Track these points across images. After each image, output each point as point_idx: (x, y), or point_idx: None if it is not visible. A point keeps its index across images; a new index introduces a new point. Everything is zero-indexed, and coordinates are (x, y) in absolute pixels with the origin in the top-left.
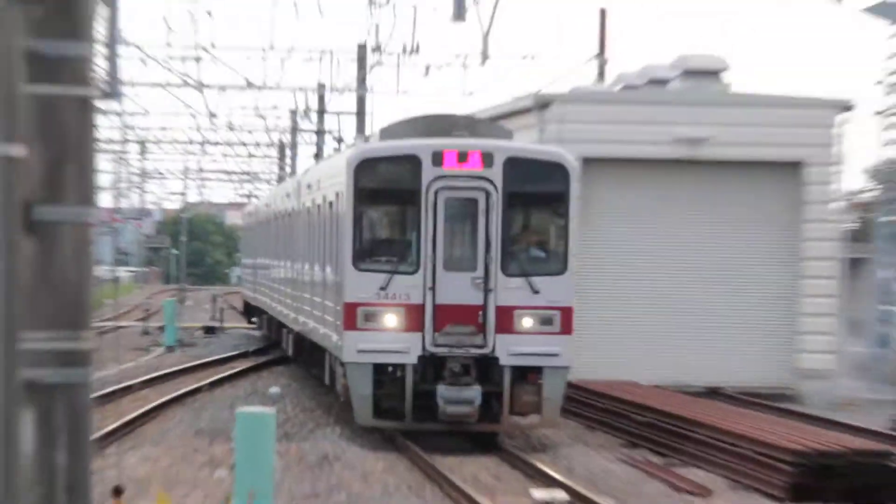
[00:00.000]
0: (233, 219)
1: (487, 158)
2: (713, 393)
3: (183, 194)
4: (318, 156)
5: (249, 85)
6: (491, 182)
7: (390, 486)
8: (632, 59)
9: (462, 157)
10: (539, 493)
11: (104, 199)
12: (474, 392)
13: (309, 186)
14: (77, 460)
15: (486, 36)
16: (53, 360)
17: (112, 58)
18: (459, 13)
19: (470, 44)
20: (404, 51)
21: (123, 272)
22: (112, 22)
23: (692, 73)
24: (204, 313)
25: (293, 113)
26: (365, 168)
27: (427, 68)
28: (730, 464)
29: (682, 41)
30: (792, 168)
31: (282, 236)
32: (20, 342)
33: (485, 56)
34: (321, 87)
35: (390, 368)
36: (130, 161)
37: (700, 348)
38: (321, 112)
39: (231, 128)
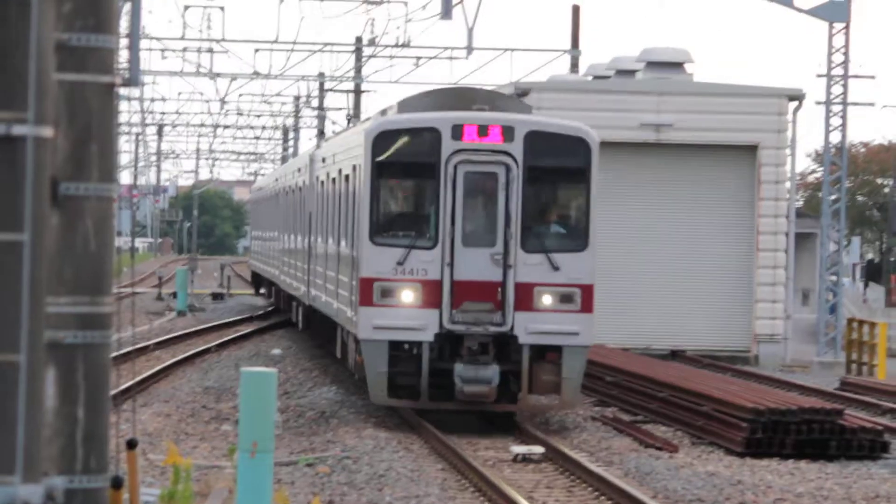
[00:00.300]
0: (240, 195)
1: (508, 132)
2: (676, 356)
3: (195, 172)
4: (321, 135)
5: (257, 74)
6: (511, 156)
7: (381, 440)
8: (602, 52)
9: (482, 130)
10: (518, 448)
11: (124, 177)
12: (492, 371)
13: (323, 160)
14: (95, 415)
15: (470, 31)
16: (75, 322)
17: (133, 49)
18: (447, 12)
19: (456, 38)
20: (397, 44)
21: (140, 243)
22: (134, 17)
23: (656, 65)
24: (213, 281)
25: (296, 99)
26: (383, 140)
27: (417, 60)
28: (692, 421)
29: (648, 35)
30: (748, 151)
31: (293, 210)
32: (45, 306)
33: (469, 49)
34: (321, 76)
35: (406, 346)
36: (148, 142)
37: (664, 315)
38: (321, 98)
39: (240, 113)
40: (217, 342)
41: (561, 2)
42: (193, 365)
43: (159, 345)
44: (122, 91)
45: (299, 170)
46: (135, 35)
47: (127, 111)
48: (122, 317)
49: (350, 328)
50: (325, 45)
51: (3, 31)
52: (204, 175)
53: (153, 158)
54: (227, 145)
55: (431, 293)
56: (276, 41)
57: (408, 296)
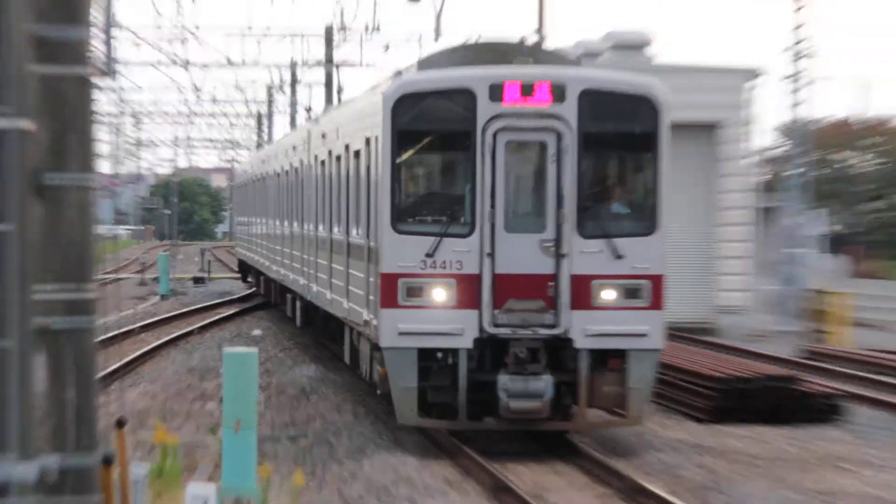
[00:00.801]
0: (217, 181)
1: (558, 91)
2: None
3: (173, 161)
4: (292, 124)
5: (230, 63)
6: (563, 120)
7: (360, 414)
8: (567, 35)
9: (527, 89)
10: None
11: (103, 166)
12: (544, 383)
13: (323, 136)
14: (84, 396)
15: (438, 16)
16: (62, 308)
17: (108, 40)
18: None
19: (425, 23)
20: (367, 30)
21: (122, 230)
22: (107, 8)
23: (620, 47)
24: (193, 265)
25: (269, 87)
26: (406, 105)
27: (387, 45)
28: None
29: (615, 17)
30: (709, 129)
31: (288, 193)
32: (32, 294)
33: (437, 33)
34: (293, 64)
35: (439, 354)
36: (126, 132)
37: None
38: (293, 85)
39: (214, 101)
40: (200, 324)
41: None
42: (177, 347)
43: (144, 328)
44: (99, 82)
45: (294, 148)
46: (108, 25)
47: (104, 101)
48: (108, 302)
49: (367, 333)
50: (295, 33)
51: None
52: (181, 163)
53: (131, 147)
54: (203, 133)
55: (468, 290)
56: (249, 29)
57: (440, 294)
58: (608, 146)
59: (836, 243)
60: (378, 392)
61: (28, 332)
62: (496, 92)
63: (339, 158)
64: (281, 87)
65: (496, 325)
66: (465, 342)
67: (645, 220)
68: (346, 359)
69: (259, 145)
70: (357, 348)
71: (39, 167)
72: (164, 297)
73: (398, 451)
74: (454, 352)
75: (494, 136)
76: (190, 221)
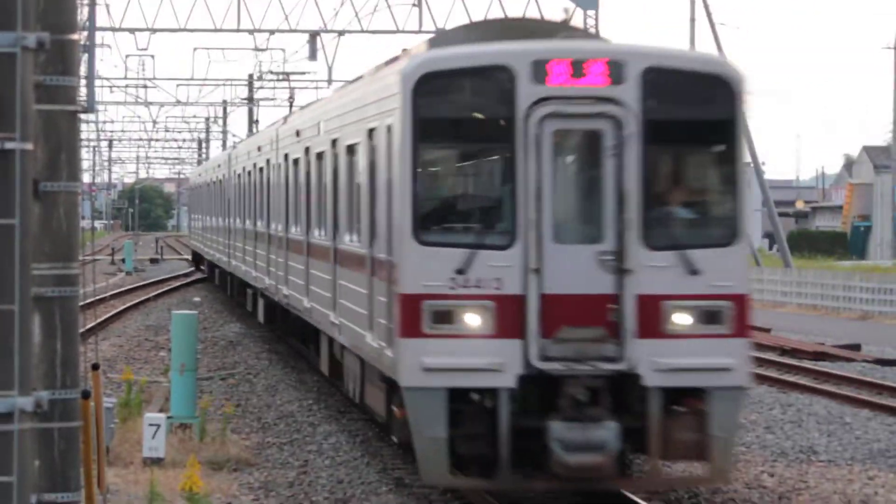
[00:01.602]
0: (168, 188)
1: (616, 69)
2: None
3: (135, 173)
4: (223, 146)
5: (178, 102)
6: (623, 105)
7: (274, 360)
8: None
9: (577, 67)
10: None
11: (85, 177)
12: (608, 431)
13: (298, 134)
14: (68, 347)
15: (330, 68)
16: (53, 281)
17: (90, 86)
18: (313, 55)
19: (322, 71)
20: (278, 78)
21: (98, 224)
22: (90, 64)
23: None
24: (150, 250)
25: (207, 120)
26: (430, 87)
27: (292, 91)
28: None
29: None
30: None
31: (251, 194)
32: (31, 270)
33: (330, 80)
34: (225, 102)
35: (475, 396)
36: (102, 152)
37: None
38: (224, 118)
39: (167, 130)
40: (154, 293)
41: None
42: (138, 310)
43: (114, 296)
44: (83, 116)
45: (259, 149)
46: (91, 76)
47: (86, 130)
48: (86, 276)
49: (382, 367)
50: (227, 80)
51: None
52: (142, 174)
53: (105, 163)
54: (158, 153)
55: (510, 315)
56: (191, 78)
57: (474, 320)
58: (677, 137)
59: None
60: (395, 440)
61: (27, 298)
62: (540, 70)
63: (320, 156)
64: (215, 120)
65: (546, 359)
66: (507, 380)
67: (723, 226)
68: (324, 369)
69: (199, 163)
70: (341, 362)
71: (38, 177)
72: (128, 274)
73: (302, 389)
74: (493, 392)
75: (540, 124)
76: (148, 217)
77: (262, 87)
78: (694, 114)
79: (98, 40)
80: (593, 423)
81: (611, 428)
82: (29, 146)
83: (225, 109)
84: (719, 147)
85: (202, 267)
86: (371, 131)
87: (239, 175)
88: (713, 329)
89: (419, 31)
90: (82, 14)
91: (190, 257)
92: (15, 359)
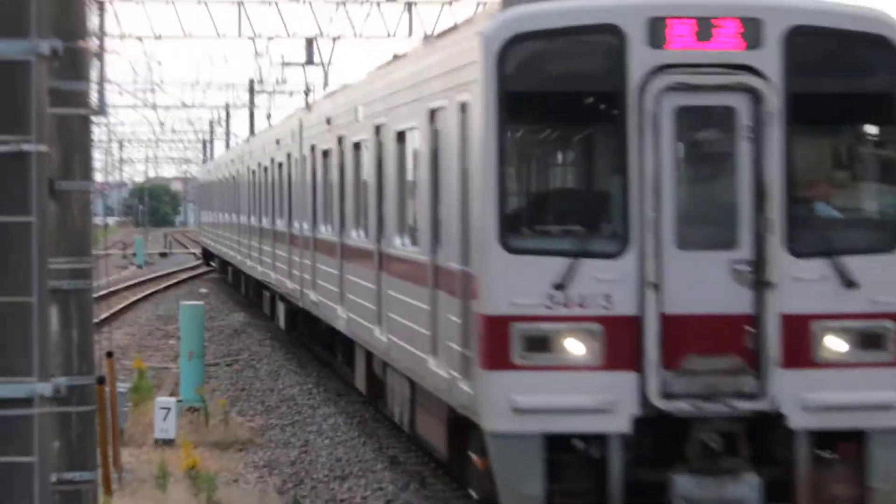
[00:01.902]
0: (175, 186)
1: (752, 30)
2: None
3: (145, 172)
4: (227, 147)
5: (184, 105)
6: (761, 75)
7: (276, 347)
8: None
9: (704, 27)
10: None
11: (97, 176)
12: (747, 487)
13: (328, 121)
14: (84, 335)
15: (326, 72)
16: (68, 274)
17: (101, 91)
18: (309, 59)
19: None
20: (276, 82)
21: (110, 220)
22: (101, 69)
23: None
24: (159, 245)
25: (211, 123)
26: (520, 52)
27: (290, 92)
28: None
29: None
30: None
31: (270, 191)
32: (48, 264)
33: (326, 84)
34: (227, 105)
35: (579, 443)
36: (113, 152)
37: None
38: (228, 120)
39: (173, 131)
40: (164, 285)
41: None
42: (149, 301)
43: (126, 288)
44: (94, 118)
45: (278, 142)
46: (101, 81)
47: (98, 132)
48: (100, 270)
49: (453, 402)
50: (229, 84)
51: (14, 83)
52: (151, 174)
53: (116, 163)
54: (166, 153)
55: (622, 341)
56: (196, 82)
57: (577, 347)
58: (830, 115)
59: None
60: (474, 495)
61: (45, 291)
62: (658, 31)
63: (358, 146)
64: (219, 122)
65: (668, 396)
66: (620, 423)
67: (886, 228)
68: (360, 385)
69: (205, 162)
70: (382, 380)
71: (53, 177)
72: (139, 267)
73: (302, 374)
74: (602, 438)
75: (656, 98)
76: (156, 214)
77: (262, 92)
78: (852, 86)
79: (108, 47)
80: (729, 477)
81: (751, 483)
82: (44, 148)
83: (228, 112)
84: (884, 128)
85: (212, 263)
86: (433, 112)
87: (254, 171)
88: (874, 356)
89: (409, 35)
90: (93, 22)
91: (198, 252)
92: (34, 347)
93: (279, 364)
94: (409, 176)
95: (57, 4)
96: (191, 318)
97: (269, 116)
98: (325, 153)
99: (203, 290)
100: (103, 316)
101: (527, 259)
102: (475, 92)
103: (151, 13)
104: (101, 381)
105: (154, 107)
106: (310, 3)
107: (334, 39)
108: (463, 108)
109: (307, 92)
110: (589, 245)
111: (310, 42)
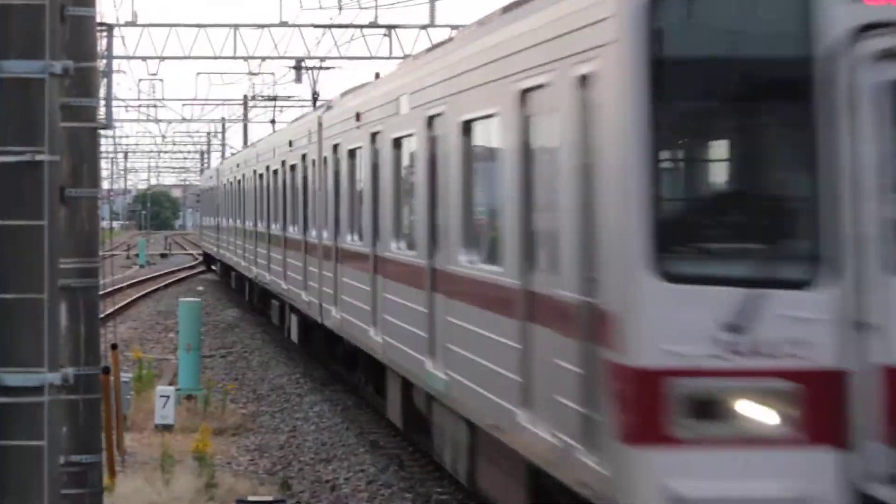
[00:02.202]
0: (175, 193)
1: None
2: None
3: (147, 180)
4: (222, 157)
5: (184, 119)
6: None
7: (267, 340)
8: None
9: None
10: None
11: (104, 184)
12: None
13: (357, 118)
14: (91, 329)
15: (314, 89)
16: (77, 273)
17: (108, 106)
18: (298, 78)
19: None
20: (268, 99)
21: (115, 224)
22: (108, 87)
23: None
24: (160, 246)
25: (208, 134)
26: (672, 7)
27: (281, 109)
28: None
29: None
30: None
31: (280, 196)
32: (59, 264)
33: (315, 99)
34: (223, 119)
35: None
36: (118, 162)
37: None
38: (223, 133)
39: (174, 143)
40: (164, 283)
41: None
42: (150, 297)
43: (129, 286)
44: (102, 131)
45: (290, 143)
46: (109, 98)
47: (105, 143)
48: (105, 269)
49: (570, 480)
50: (225, 100)
51: (30, 99)
52: (153, 182)
53: (121, 172)
54: (166, 163)
55: (824, 405)
56: (195, 99)
57: (762, 414)
58: None
59: None
60: None
61: (55, 288)
62: None
63: (398, 143)
64: (215, 135)
65: (893, 482)
66: None
67: None
68: (394, 418)
69: (202, 171)
70: (424, 415)
71: (64, 184)
72: (141, 267)
73: (291, 365)
74: None
75: (858, 69)
76: (157, 218)
77: (254, 107)
78: None
79: (114, 67)
80: None
81: None
82: (56, 158)
83: (223, 126)
84: None
85: (213, 267)
86: (525, 93)
87: (261, 175)
88: None
89: (389, 58)
90: (101, 44)
91: (193, 253)
92: (44, 340)
93: (269, 356)
94: (480, 175)
95: (69, 29)
96: (188, 314)
97: (272, 121)
98: (352, 153)
99: (200, 288)
100: (108, 311)
101: (688, 290)
102: (609, 59)
103: (154, 36)
104: (106, 371)
105: (156, 121)
106: (299, 28)
107: (321, 60)
108: (583, 82)
109: (314, 98)
110: (774, 270)
111: (298, 63)
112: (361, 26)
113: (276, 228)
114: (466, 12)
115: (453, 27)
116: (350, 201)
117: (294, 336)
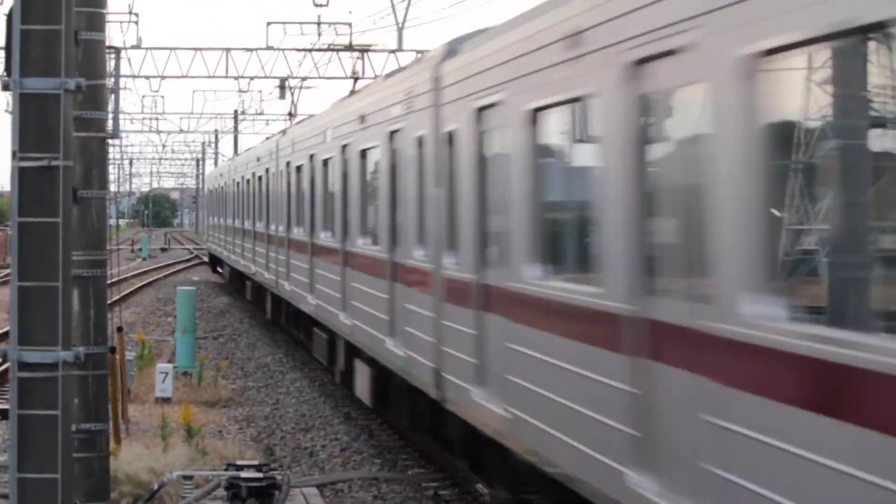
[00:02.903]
0: (174, 195)
1: None
2: None
3: (149, 184)
4: (215, 164)
5: (182, 131)
6: None
7: (255, 324)
8: None
9: None
10: None
11: (111, 186)
12: None
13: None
14: (99, 314)
15: (294, 104)
16: (88, 264)
17: (115, 118)
18: (282, 95)
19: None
20: (256, 112)
21: (121, 222)
22: (116, 102)
23: None
24: (160, 241)
25: (203, 145)
26: None
27: (267, 121)
28: None
29: None
30: None
31: (288, 198)
32: (71, 256)
33: (294, 115)
34: (216, 131)
35: None
36: (124, 167)
37: None
38: (216, 143)
39: (172, 151)
40: (164, 274)
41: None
42: (152, 286)
43: (134, 276)
44: (110, 141)
45: (323, 134)
46: (116, 111)
47: (112, 151)
48: (112, 261)
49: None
50: (218, 114)
51: (47, 112)
52: (154, 185)
53: (127, 176)
54: (166, 169)
55: None
56: (191, 112)
57: None
58: None
59: None
60: None
61: (69, 277)
62: None
63: (452, 136)
64: (209, 144)
65: None
66: None
67: None
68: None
69: (198, 177)
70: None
71: (76, 187)
72: (144, 259)
73: (274, 346)
74: None
75: None
76: (158, 217)
77: (244, 119)
78: None
79: (121, 84)
80: None
81: None
82: (70, 164)
83: (216, 136)
84: None
85: (219, 269)
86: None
87: (260, 177)
88: None
89: (362, 77)
90: (110, 65)
91: (189, 248)
92: (59, 322)
93: (256, 338)
94: (575, 173)
95: (82, 51)
96: (185, 301)
97: (290, 114)
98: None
99: (195, 279)
100: (115, 298)
101: None
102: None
103: (157, 58)
104: (112, 350)
105: (157, 132)
106: (283, 52)
107: (302, 79)
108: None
109: (291, 115)
110: None
111: (283, 81)
112: (338, 49)
113: (294, 232)
114: (430, 38)
115: (418, 52)
116: (392, 208)
117: (364, 394)
